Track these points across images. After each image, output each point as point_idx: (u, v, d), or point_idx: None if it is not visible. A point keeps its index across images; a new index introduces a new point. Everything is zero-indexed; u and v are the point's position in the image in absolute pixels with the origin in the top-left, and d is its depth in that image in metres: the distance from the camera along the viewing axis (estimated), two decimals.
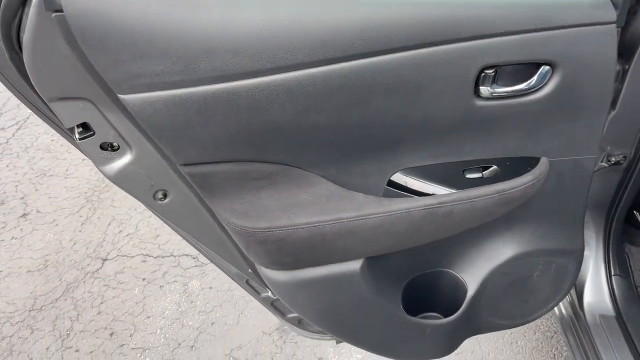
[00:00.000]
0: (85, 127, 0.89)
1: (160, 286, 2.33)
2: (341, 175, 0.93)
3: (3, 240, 2.60)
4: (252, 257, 1.05)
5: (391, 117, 0.84)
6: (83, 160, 3.07)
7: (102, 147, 0.92)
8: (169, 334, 2.14)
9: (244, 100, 0.77)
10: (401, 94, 0.81)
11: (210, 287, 2.30)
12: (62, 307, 2.26)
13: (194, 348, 2.08)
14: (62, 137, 3.44)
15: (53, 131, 3.39)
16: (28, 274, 2.42)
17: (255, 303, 2.23)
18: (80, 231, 2.63)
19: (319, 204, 0.94)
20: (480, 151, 0.94)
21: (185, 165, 0.87)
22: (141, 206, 2.76)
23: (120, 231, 2.62)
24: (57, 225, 2.67)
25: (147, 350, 2.08)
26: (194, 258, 2.44)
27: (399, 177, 1.01)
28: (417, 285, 1.19)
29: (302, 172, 0.91)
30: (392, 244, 1.01)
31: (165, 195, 1.03)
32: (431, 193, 1.01)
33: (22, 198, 2.85)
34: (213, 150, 0.84)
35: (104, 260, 2.47)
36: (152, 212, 1.10)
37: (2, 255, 2.51)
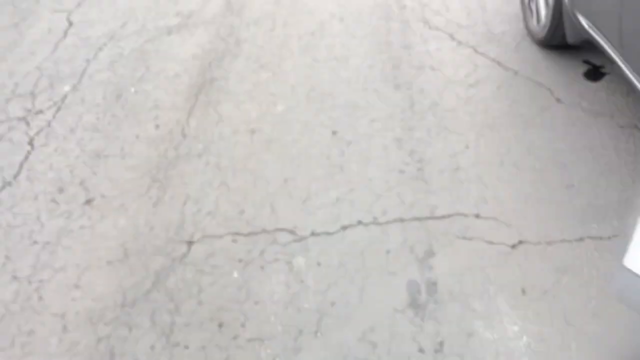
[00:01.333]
0: None
1: (261, 267, 2.09)
2: None
3: (72, 231, 2.34)
4: None
5: None
6: (137, 137, 2.79)
7: None
8: (286, 320, 1.90)
9: None
10: None
11: (319, 264, 2.05)
12: (156, 299, 2.02)
13: (318, 334, 1.84)
14: (106, 115, 3.12)
15: (97, 109, 3.10)
16: (109, 265, 2.18)
17: (375, 278, 1.98)
18: (154, 214, 2.37)
19: None
20: None
21: None
22: (216, 181, 2.49)
23: (199, 210, 2.36)
24: (126, 209, 2.41)
25: (266, 341, 1.84)
26: (290, 232, 2.19)
27: None
28: None
29: None
30: None
31: None
32: None
33: (80, 183, 2.58)
34: None
35: (190, 243, 2.22)
36: None
37: (76, 248, 2.26)
